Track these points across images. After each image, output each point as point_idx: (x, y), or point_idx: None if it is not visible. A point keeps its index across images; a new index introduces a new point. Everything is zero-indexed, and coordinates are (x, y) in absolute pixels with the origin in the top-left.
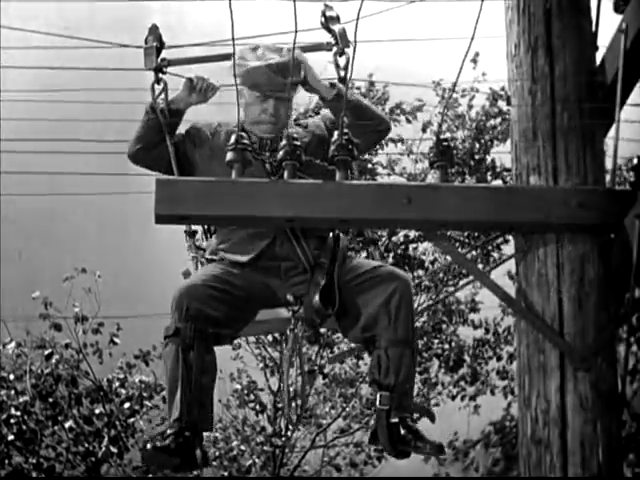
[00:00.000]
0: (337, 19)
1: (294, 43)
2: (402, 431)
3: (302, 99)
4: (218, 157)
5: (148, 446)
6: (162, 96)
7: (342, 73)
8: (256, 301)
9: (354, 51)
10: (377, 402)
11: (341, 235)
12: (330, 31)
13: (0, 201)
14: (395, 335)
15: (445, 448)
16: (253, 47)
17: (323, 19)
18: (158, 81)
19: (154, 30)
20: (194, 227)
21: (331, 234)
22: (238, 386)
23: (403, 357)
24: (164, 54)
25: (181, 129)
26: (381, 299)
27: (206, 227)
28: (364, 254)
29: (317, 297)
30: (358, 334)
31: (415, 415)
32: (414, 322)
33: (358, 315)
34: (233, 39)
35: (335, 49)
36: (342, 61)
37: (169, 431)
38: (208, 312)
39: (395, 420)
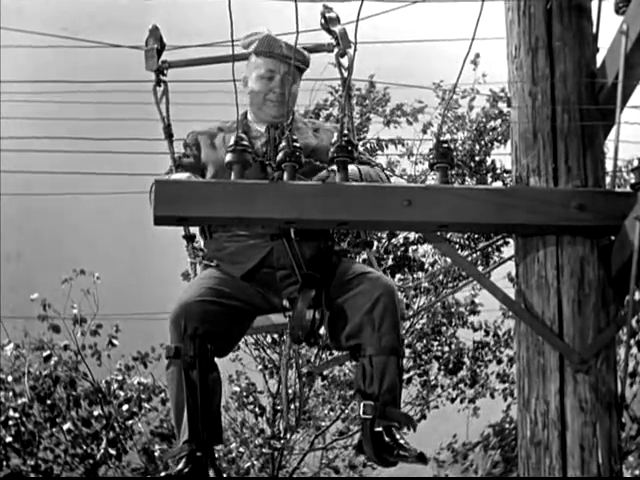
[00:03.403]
0: (337, 20)
1: (295, 43)
2: (386, 439)
3: (302, 100)
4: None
5: (163, 474)
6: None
7: (344, 74)
8: (252, 309)
9: (354, 52)
10: (361, 411)
11: (335, 245)
12: (331, 32)
13: (0, 201)
14: (379, 344)
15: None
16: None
17: (323, 21)
18: (159, 83)
19: (154, 31)
20: (192, 230)
21: (324, 243)
22: (237, 388)
23: (387, 366)
24: (165, 55)
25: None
26: (365, 307)
27: (206, 227)
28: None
29: (304, 314)
30: (343, 342)
31: (399, 424)
32: (399, 330)
33: (344, 323)
34: (232, 40)
35: (336, 50)
36: (344, 62)
37: (181, 454)
38: (206, 329)
39: (379, 429)
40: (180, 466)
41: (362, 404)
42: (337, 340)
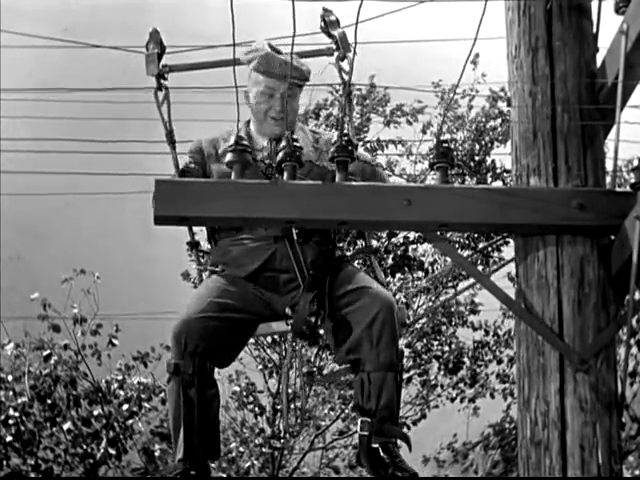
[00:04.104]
0: (337, 23)
1: (292, 45)
2: (382, 455)
3: (302, 100)
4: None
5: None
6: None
7: (345, 77)
8: (254, 317)
9: (354, 54)
10: (358, 428)
11: (337, 249)
12: (331, 36)
13: (0, 201)
14: (377, 360)
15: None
16: (276, 49)
17: (323, 24)
18: (160, 87)
19: (155, 35)
20: (195, 233)
21: (325, 246)
22: (237, 388)
23: (385, 382)
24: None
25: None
26: (364, 323)
27: (210, 232)
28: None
29: (307, 309)
30: (344, 356)
31: (395, 440)
32: (398, 346)
33: (344, 337)
34: (234, 44)
35: (336, 54)
36: (344, 66)
37: (175, 472)
38: (206, 346)
39: (375, 445)
40: None
41: (359, 420)
42: (339, 353)
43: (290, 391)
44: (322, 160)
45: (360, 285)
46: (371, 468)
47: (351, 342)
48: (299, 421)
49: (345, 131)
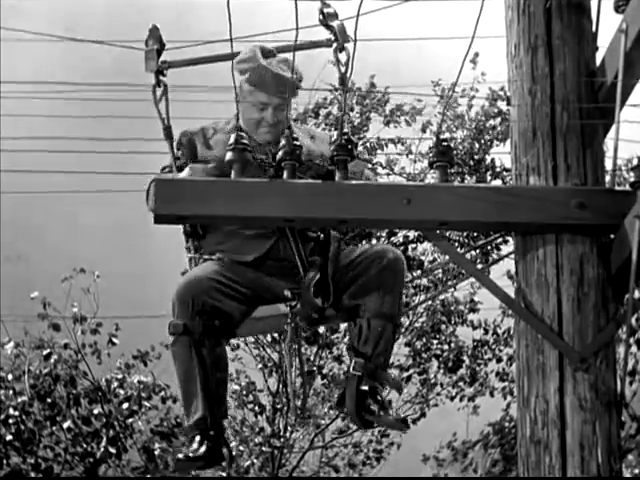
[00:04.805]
0: (335, 15)
1: (295, 40)
2: (369, 400)
3: (301, 99)
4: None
5: (180, 456)
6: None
7: (342, 69)
8: (255, 297)
9: (354, 48)
10: (350, 367)
11: (332, 233)
12: (329, 28)
13: (0, 201)
14: (380, 308)
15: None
16: (268, 51)
17: (321, 16)
18: (159, 84)
19: (154, 32)
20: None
21: (322, 234)
22: (237, 387)
23: (384, 330)
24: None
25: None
26: (374, 271)
27: (197, 228)
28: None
29: (312, 292)
30: (345, 301)
31: (383, 385)
32: (401, 299)
33: (350, 283)
34: (231, 39)
35: (335, 45)
36: (342, 57)
37: (194, 432)
38: (213, 304)
39: (365, 388)
40: (197, 449)
41: (353, 360)
42: (339, 299)
43: (290, 390)
44: (317, 149)
45: (366, 247)
46: (355, 411)
47: (357, 288)
48: (298, 420)
49: (345, 130)
